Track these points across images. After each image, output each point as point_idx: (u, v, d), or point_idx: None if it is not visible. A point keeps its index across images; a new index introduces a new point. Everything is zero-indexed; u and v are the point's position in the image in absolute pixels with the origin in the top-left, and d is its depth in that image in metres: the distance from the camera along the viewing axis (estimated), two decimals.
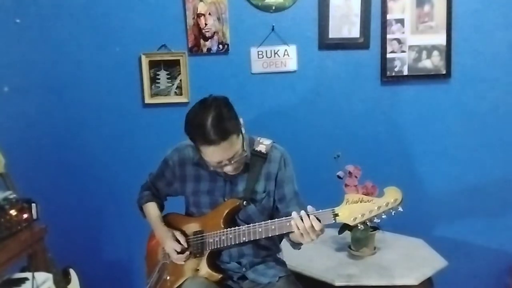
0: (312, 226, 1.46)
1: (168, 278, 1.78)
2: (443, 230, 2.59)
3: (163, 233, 1.77)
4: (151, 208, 1.86)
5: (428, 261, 2.09)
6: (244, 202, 1.66)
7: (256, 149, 1.70)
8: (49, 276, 1.86)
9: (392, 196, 1.42)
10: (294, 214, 1.49)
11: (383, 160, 2.52)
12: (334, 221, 1.48)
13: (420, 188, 2.56)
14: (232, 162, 1.57)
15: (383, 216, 1.44)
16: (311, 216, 1.47)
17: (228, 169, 1.60)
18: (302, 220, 1.47)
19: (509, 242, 2.58)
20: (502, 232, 2.58)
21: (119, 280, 2.67)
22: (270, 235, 1.59)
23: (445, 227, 2.59)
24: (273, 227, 1.57)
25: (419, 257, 2.13)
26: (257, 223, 1.60)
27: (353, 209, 1.45)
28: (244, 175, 1.69)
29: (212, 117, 1.49)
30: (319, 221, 1.47)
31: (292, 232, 1.53)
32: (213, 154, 1.54)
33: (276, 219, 1.57)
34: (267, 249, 1.77)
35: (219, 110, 1.52)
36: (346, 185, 2.06)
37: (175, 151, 1.79)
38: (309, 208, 1.50)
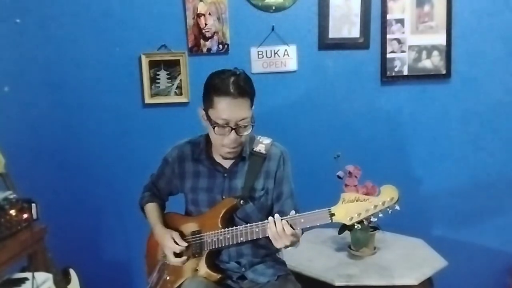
0: (284, 230, 1.49)
1: (168, 278, 1.78)
2: (443, 230, 2.59)
3: (162, 234, 1.77)
4: (151, 209, 1.86)
5: (428, 261, 2.08)
6: (241, 201, 1.66)
7: (255, 149, 1.70)
8: (49, 276, 1.86)
9: (388, 194, 1.42)
10: (270, 219, 1.52)
11: (383, 160, 2.53)
12: (330, 220, 1.47)
13: (420, 188, 2.56)
14: (238, 127, 1.57)
15: (380, 215, 1.44)
16: (283, 221, 1.50)
17: (231, 137, 1.58)
18: (275, 224, 1.50)
19: (509, 242, 2.59)
20: (502, 232, 2.58)
21: (119, 280, 2.67)
22: (267, 235, 1.59)
23: (445, 227, 2.59)
24: None
25: (419, 257, 2.13)
26: (254, 224, 1.60)
27: (350, 208, 1.45)
28: (243, 172, 1.70)
29: (235, 75, 1.58)
30: (292, 226, 1.49)
31: None
32: (226, 108, 1.55)
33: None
34: (266, 248, 1.77)
35: (243, 74, 1.60)
36: (346, 185, 2.06)
37: (174, 148, 1.80)
38: (292, 213, 1.53)
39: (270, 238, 1.53)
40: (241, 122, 1.57)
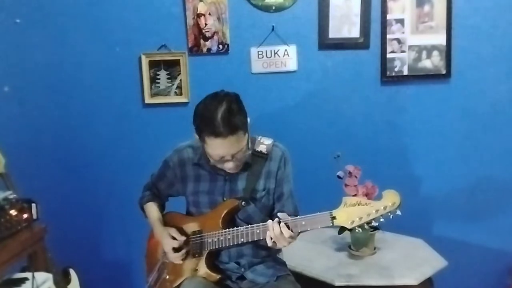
0: (282, 233, 1.50)
1: (167, 277, 1.78)
2: (443, 230, 2.59)
3: (161, 232, 1.77)
4: (151, 208, 1.87)
5: (428, 261, 2.08)
6: (243, 202, 1.66)
7: (257, 149, 1.70)
8: (49, 276, 1.86)
9: (390, 199, 1.42)
10: (269, 222, 1.53)
11: (383, 160, 2.52)
12: (331, 224, 1.48)
13: (420, 188, 2.56)
14: (234, 159, 1.58)
15: (381, 220, 1.44)
16: (282, 224, 1.50)
17: (229, 165, 1.60)
18: (273, 227, 1.51)
19: (509, 242, 2.58)
20: (502, 232, 2.58)
21: (119, 280, 2.67)
22: (267, 236, 1.59)
23: (445, 227, 2.59)
24: None
25: (419, 257, 2.13)
26: (255, 225, 1.60)
27: (351, 212, 1.45)
28: (244, 174, 1.70)
29: (223, 110, 1.51)
30: (290, 229, 1.50)
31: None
32: (218, 147, 1.54)
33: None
34: (266, 249, 1.76)
35: (230, 105, 1.53)
36: (346, 185, 2.06)
37: (174, 152, 1.80)
38: (280, 215, 1.54)
39: (267, 240, 1.54)
40: (237, 154, 1.57)
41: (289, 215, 1.60)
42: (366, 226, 1.47)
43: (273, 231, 1.51)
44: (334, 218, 1.47)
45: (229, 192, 1.71)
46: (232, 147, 1.54)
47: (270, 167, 1.71)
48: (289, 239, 1.52)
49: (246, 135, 1.59)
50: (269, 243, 1.55)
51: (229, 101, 1.54)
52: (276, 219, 1.53)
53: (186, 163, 1.76)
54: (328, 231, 2.30)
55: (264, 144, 1.71)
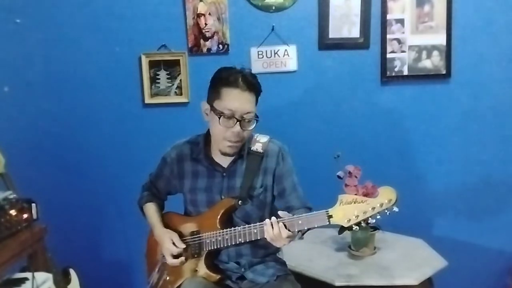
0: (280, 233, 1.49)
1: (167, 278, 1.78)
2: (443, 230, 2.59)
3: (161, 234, 1.77)
4: (150, 209, 1.87)
5: (428, 261, 2.09)
6: (240, 201, 1.67)
7: (253, 148, 1.71)
8: (49, 276, 1.86)
9: (386, 196, 1.41)
10: (267, 220, 1.52)
11: (383, 160, 2.52)
12: (328, 222, 1.47)
13: (420, 188, 2.56)
14: (243, 120, 1.59)
15: (378, 217, 1.43)
16: (280, 224, 1.50)
17: (235, 129, 1.59)
18: (272, 227, 1.50)
19: (509, 242, 2.58)
20: (502, 232, 2.58)
21: (119, 280, 2.67)
22: (265, 236, 1.59)
23: (445, 227, 2.59)
24: None
25: (419, 257, 2.13)
26: (252, 225, 1.60)
27: (347, 210, 1.44)
28: (241, 171, 1.70)
29: (245, 71, 1.64)
30: (288, 229, 1.49)
31: None
32: (233, 99, 1.58)
33: None
34: (266, 248, 1.77)
35: (251, 72, 1.66)
36: (346, 185, 2.06)
37: (173, 148, 1.80)
38: (280, 213, 1.53)
39: (268, 239, 1.54)
40: (246, 115, 1.59)
41: (296, 209, 1.62)
42: (363, 224, 1.46)
43: (272, 231, 1.51)
44: (330, 216, 1.46)
45: (227, 189, 1.71)
46: (245, 103, 1.59)
47: (267, 163, 1.71)
48: (288, 239, 1.51)
49: (255, 108, 1.64)
50: (269, 240, 1.54)
51: (249, 70, 1.67)
52: (273, 218, 1.52)
53: (184, 158, 1.76)
54: (328, 231, 2.30)
55: (260, 142, 1.72)
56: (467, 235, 2.59)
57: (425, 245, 2.26)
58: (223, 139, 1.63)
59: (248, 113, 1.60)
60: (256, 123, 1.64)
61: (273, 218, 1.52)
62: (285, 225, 1.50)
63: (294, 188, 1.73)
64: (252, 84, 1.61)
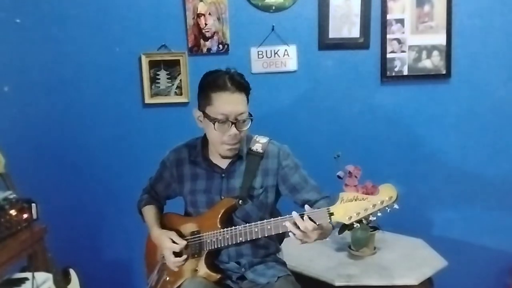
0: (307, 227, 1.46)
1: (167, 278, 1.78)
2: (443, 230, 2.59)
3: (159, 235, 1.77)
4: (149, 211, 1.87)
5: (428, 261, 2.09)
6: (240, 201, 1.66)
7: (253, 148, 1.71)
8: (49, 276, 1.86)
9: (387, 193, 1.41)
10: (287, 223, 1.50)
11: (383, 160, 2.53)
12: (329, 220, 1.47)
13: (420, 188, 2.56)
14: (238, 121, 1.58)
15: (378, 214, 1.43)
16: (305, 217, 1.47)
17: (232, 131, 1.59)
18: (296, 223, 1.47)
19: (509, 242, 2.58)
20: (502, 232, 2.58)
21: (119, 280, 2.67)
22: (266, 235, 1.59)
23: (445, 227, 2.59)
24: (269, 227, 1.57)
25: (419, 257, 2.13)
26: (253, 224, 1.60)
27: (348, 207, 1.44)
28: (240, 172, 1.70)
29: (231, 72, 1.62)
30: (314, 221, 1.46)
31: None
32: (225, 104, 1.57)
33: (271, 219, 1.57)
34: (266, 248, 1.77)
35: (237, 71, 1.64)
36: (346, 185, 2.06)
37: (171, 152, 1.81)
38: (306, 207, 1.50)
39: (291, 236, 1.50)
40: (240, 116, 1.59)
41: (315, 202, 1.64)
42: (364, 221, 1.45)
43: (298, 229, 1.46)
44: (331, 214, 1.46)
45: (226, 190, 1.71)
46: (237, 105, 1.58)
47: (267, 164, 1.71)
48: (316, 233, 1.47)
49: (247, 106, 1.63)
50: (298, 238, 1.50)
51: (234, 70, 1.64)
52: (294, 213, 1.48)
53: (183, 162, 1.77)
54: None
55: (259, 142, 1.72)
56: (468, 235, 2.59)
57: (425, 245, 2.26)
58: (221, 144, 1.63)
59: (241, 114, 1.59)
60: (251, 122, 1.64)
61: (294, 213, 1.49)
62: (310, 218, 1.47)
63: (306, 181, 1.73)
64: (240, 84, 1.60)
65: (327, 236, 1.60)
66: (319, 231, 1.49)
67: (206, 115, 1.62)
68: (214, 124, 1.59)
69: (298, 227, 1.47)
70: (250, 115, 1.63)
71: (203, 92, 1.63)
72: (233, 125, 1.58)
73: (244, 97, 1.62)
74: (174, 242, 1.71)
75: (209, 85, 1.60)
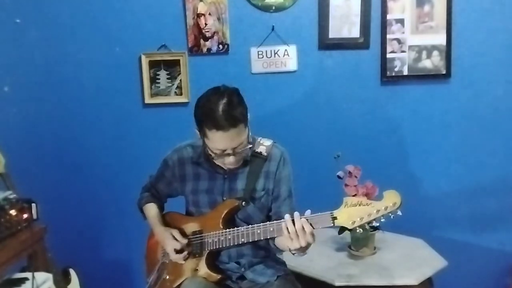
0: (303, 229, 1.45)
1: (167, 277, 1.78)
2: (443, 230, 2.59)
3: (162, 233, 1.77)
4: (151, 209, 1.87)
5: (428, 261, 2.09)
6: (243, 202, 1.67)
7: (257, 150, 1.70)
8: (49, 276, 1.86)
9: (391, 200, 1.42)
10: (286, 216, 1.49)
11: (383, 160, 2.52)
12: (332, 224, 1.47)
13: (420, 188, 2.56)
14: (236, 152, 1.58)
15: (382, 220, 1.44)
16: (303, 219, 1.47)
17: (230, 160, 1.59)
18: (293, 222, 1.47)
19: (509, 242, 2.58)
20: (502, 232, 2.58)
21: (119, 280, 2.67)
22: (268, 237, 1.59)
23: (445, 227, 2.59)
24: (271, 229, 1.57)
25: (419, 257, 2.13)
26: (255, 225, 1.60)
27: (352, 212, 1.45)
28: (243, 173, 1.70)
29: (224, 103, 1.52)
30: (311, 225, 1.46)
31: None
32: (219, 141, 1.54)
33: (274, 221, 1.57)
34: (266, 249, 1.77)
35: (230, 98, 1.54)
36: (346, 185, 2.06)
37: (174, 151, 1.80)
38: (307, 212, 1.49)
39: (285, 236, 1.48)
40: (237, 148, 1.57)
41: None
42: (366, 226, 1.46)
43: (294, 227, 1.45)
44: (335, 218, 1.46)
45: (228, 191, 1.71)
46: (233, 141, 1.55)
47: (270, 167, 1.71)
48: (310, 237, 1.45)
49: (247, 128, 1.59)
50: (286, 242, 1.48)
51: (230, 94, 1.55)
52: (296, 213, 1.47)
53: (186, 162, 1.76)
54: (328, 231, 2.29)
55: (264, 145, 1.72)
56: (467, 235, 2.59)
57: (425, 245, 2.26)
58: (223, 164, 1.64)
59: (239, 145, 1.57)
60: (250, 146, 1.62)
61: (296, 213, 1.48)
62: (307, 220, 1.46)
63: (289, 196, 1.72)
64: (235, 118, 1.51)
65: (307, 250, 1.55)
66: (312, 238, 1.47)
67: (204, 144, 1.62)
68: (212, 153, 1.60)
69: (294, 225, 1.46)
70: (249, 139, 1.61)
71: (198, 122, 1.58)
72: (231, 155, 1.58)
73: (240, 129, 1.54)
74: (175, 239, 1.71)
75: (203, 119, 1.54)
